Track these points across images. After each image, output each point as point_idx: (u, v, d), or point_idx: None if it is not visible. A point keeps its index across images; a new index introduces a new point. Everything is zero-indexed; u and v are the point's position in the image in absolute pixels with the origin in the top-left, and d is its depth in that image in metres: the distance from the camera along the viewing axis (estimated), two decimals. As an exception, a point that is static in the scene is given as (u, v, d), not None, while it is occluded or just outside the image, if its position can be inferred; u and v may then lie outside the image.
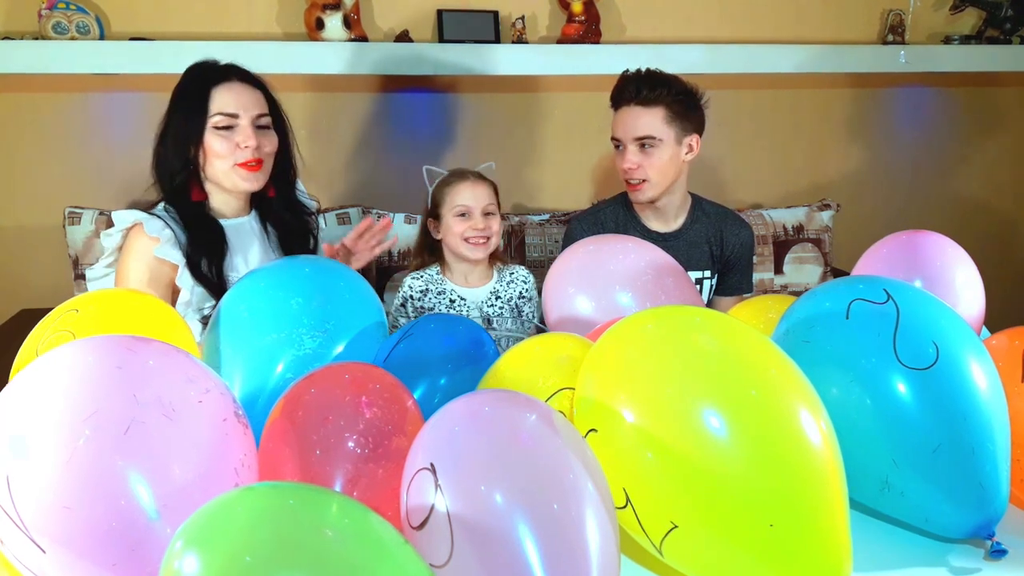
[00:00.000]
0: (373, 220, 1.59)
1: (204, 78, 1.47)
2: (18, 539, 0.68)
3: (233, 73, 1.48)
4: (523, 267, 1.82)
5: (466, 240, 1.67)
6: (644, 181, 1.72)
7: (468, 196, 1.68)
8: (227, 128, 1.44)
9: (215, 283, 1.43)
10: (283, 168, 1.57)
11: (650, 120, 1.70)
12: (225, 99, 1.45)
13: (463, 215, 1.67)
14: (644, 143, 1.70)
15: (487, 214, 1.68)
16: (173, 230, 1.43)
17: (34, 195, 2.29)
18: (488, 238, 1.68)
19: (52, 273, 2.29)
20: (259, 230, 1.57)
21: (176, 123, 1.46)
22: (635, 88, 1.70)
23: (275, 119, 1.52)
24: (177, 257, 1.41)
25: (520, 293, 1.76)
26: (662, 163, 1.72)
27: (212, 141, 1.44)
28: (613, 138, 1.76)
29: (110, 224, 1.47)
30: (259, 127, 1.48)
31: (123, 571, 0.68)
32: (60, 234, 2.15)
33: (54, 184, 2.28)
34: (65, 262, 2.16)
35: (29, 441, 0.69)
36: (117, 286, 1.44)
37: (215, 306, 1.39)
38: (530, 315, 1.75)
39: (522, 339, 1.05)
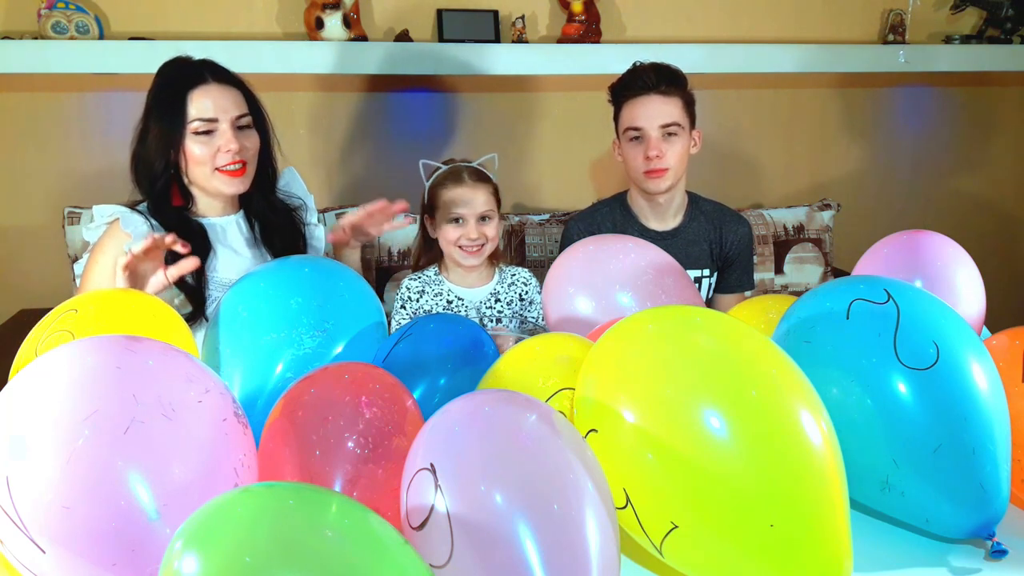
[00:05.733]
0: (386, 201, 1.52)
1: (179, 82, 1.42)
2: (18, 539, 0.68)
3: (208, 73, 1.43)
4: (526, 269, 1.77)
5: (460, 248, 1.63)
6: (667, 169, 1.71)
7: (462, 202, 1.61)
8: (207, 133, 1.40)
9: (193, 288, 1.40)
10: (263, 166, 1.53)
11: (673, 108, 1.71)
12: (203, 104, 1.40)
13: (457, 220, 1.62)
14: (669, 130, 1.71)
15: (483, 218, 1.62)
16: (152, 227, 1.42)
17: (34, 195, 2.29)
18: (482, 245, 1.63)
19: (52, 273, 2.29)
20: (247, 229, 1.55)
21: (154, 129, 1.42)
22: (654, 78, 1.71)
23: (255, 117, 1.48)
24: None
25: (520, 295, 1.73)
26: (683, 151, 1.73)
27: (192, 147, 1.40)
28: (631, 128, 1.73)
29: (93, 218, 1.46)
30: (239, 128, 1.44)
31: (123, 571, 0.68)
32: (60, 234, 2.15)
33: (54, 184, 2.28)
34: (64, 262, 2.16)
35: (29, 441, 0.69)
36: (82, 280, 1.42)
37: (191, 313, 1.39)
38: (533, 319, 1.73)
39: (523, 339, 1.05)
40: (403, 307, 1.69)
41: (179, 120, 1.40)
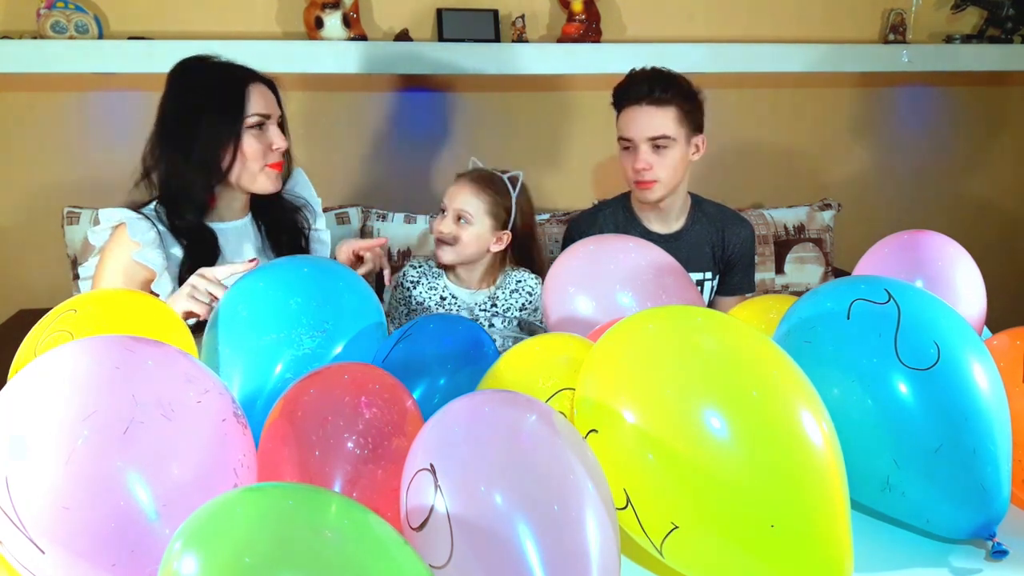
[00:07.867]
0: (386, 239, 1.58)
1: (237, 78, 1.44)
2: (17, 540, 0.68)
3: (256, 74, 1.47)
4: (534, 276, 1.74)
5: (436, 238, 1.67)
6: (655, 181, 1.70)
7: (448, 195, 1.66)
8: (260, 128, 1.43)
9: None
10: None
11: (664, 120, 1.68)
12: (257, 100, 1.43)
13: (443, 212, 1.66)
14: (658, 143, 1.68)
15: (460, 219, 1.64)
16: (160, 232, 1.40)
17: (33, 195, 2.29)
18: (452, 244, 1.64)
19: (51, 273, 2.29)
20: (254, 231, 1.55)
21: (208, 125, 1.40)
22: (647, 87, 1.68)
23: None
24: (158, 263, 1.38)
25: (523, 305, 1.72)
26: (674, 163, 1.70)
27: (248, 142, 1.42)
28: (622, 138, 1.73)
29: (97, 220, 1.47)
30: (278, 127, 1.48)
31: (122, 571, 0.68)
32: (59, 234, 2.15)
33: (53, 184, 2.28)
34: (64, 262, 2.16)
35: (28, 442, 0.69)
36: (92, 287, 1.42)
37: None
38: (534, 324, 1.72)
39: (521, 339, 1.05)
40: (395, 288, 1.71)
41: (238, 114, 1.41)
